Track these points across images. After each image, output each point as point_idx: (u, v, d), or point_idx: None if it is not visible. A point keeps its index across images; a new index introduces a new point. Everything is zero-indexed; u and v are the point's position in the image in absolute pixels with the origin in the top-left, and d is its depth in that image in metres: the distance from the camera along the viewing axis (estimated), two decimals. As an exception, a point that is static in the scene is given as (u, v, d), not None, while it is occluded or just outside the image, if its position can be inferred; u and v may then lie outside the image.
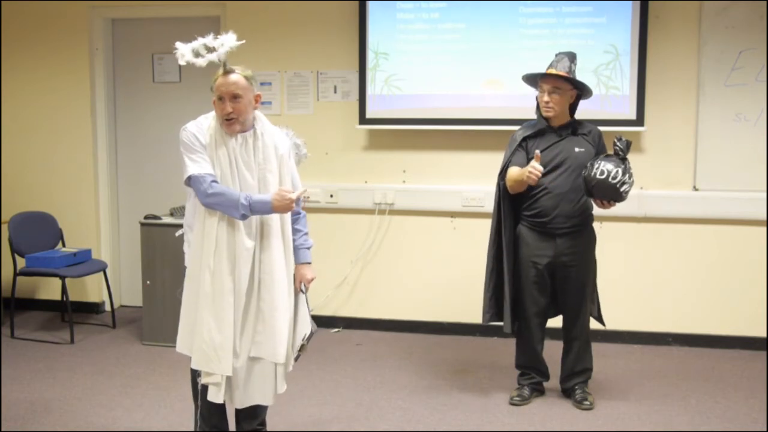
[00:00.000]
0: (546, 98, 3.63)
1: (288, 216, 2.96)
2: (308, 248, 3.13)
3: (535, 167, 3.52)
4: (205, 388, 2.91)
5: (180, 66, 5.35)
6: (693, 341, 4.76)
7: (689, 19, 4.62)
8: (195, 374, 2.98)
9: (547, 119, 3.69)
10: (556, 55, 3.66)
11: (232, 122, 2.82)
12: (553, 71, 3.61)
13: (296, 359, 3.08)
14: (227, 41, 2.81)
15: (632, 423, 3.61)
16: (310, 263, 3.12)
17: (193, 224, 2.93)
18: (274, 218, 2.90)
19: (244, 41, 2.85)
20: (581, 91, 3.68)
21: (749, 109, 4.59)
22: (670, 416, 3.68)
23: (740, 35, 4.55)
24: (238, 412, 3.09)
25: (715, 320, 4.74)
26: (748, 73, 4.57)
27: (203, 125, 2.90)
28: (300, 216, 3.12)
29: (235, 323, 2.87)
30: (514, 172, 3.67)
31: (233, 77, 2.81)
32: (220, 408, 3.02)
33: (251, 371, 2.91)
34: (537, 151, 3.58)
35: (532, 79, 3.74)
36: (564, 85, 3.62)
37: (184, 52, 2.85)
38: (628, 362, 4.47)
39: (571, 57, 3.64)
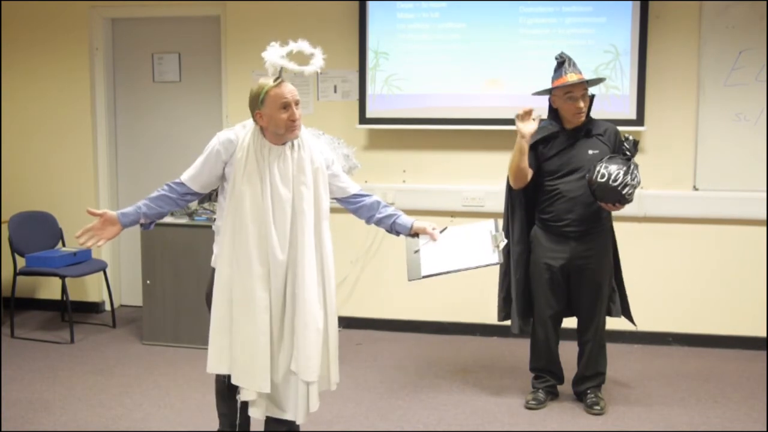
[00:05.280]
0: (581, 104, 3.56)
1: (324, 226, 2.90)
2: (402, 214, 3.06)
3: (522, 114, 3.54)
4: (245, 403, 2.90)
5: (180, 65, 5.43)
6: (693, 341, 4.76)
7: (689, 19, 4.62)
8: (220, 385, 2.99)
9: (561, 122, 3.65)
10: (567, 60, 3.58)
11: (296, 129, 2.83)
12: (582, 77, 3.55)
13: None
14: (316, 62, 2.87)
15: (632, 423, 3.61)
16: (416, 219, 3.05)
17: (221, 229, 2.89)
18: (308, 230, 2.83)
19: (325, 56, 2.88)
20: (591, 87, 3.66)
21: (749, 109, 4.59)
22: (670, 416, 3.68)
23: (740, 35, 4.55)
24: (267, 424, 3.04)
25: (715, 320, 4.74)
26: (748, 73, 4.57)
27: (239, 137, 2.86)
28: (370, 202, 3.06)
29: (272, 338, 2.85)
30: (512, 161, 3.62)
31: (291, 86, 2.84)
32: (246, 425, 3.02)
33: (288, 384, 2.88)
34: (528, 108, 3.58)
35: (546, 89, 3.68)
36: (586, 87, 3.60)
37: (274, 55, 2.80)
38: (629, 362, 4.47)
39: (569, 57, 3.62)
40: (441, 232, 3.02)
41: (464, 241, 3.02)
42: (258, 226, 2.81)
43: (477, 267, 2.98)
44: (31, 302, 5.62)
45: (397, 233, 3.08)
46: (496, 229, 3.03)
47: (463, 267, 2.98)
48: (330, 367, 2.95)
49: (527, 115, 3.57)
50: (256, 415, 2.90)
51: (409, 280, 3.05)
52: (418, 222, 3.04)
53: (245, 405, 2.90)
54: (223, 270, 2.86)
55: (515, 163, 3.60)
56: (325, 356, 2.93)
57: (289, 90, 2.82)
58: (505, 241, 2.97)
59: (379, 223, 3.07)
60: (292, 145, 2.86)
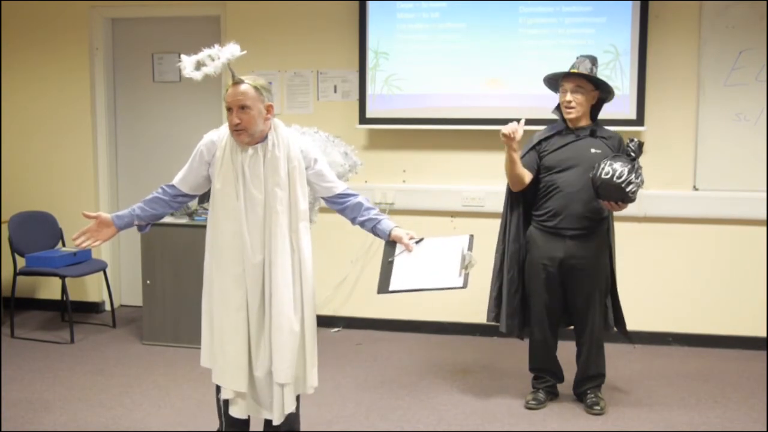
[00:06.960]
0: (568, 97, 3.57)
1: (302, 227, 2.86)
2: (384, 219, 2.97)
3: (509, 126, 3.47)
4: (226, 401, 2.92)
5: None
6: (693, 341, 4.76)
7: (689, 19, 4.62)
8: (218, 388, 2.98)
9: (565, 121, 3.66)
10: (578, 57, 3.61)
11: (241, 133, 2.76)
12: (575, 71, 3.57)
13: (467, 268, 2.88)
14: (224, 53, 2.75)
15: (632, 423, 3.61)
16: (396, 226, 2.96)
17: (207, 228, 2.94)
18: (282, 231, 2.82)
19: (245, 52, 2.79)
20: (603, 92, 3.64)
21: (749, 109, 4.59)
22: (670, 416, 3.68)
23: (740, 35, 4.55)
24: (266, 423, 3.04)
25: (715, 320, 4.74)
26: (748, 73, 4.57)
27: (221, 137, 2.86)
28: (354, 203, 2.98)
29: (250, 338, 2.86)
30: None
31: (242, 87, 2.75)
32: (242, 424, 3.00)
33: (268, 384, 2.88)
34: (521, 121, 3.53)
35: (553, 82, 3.70)
36: (586, 84, 3.58)
37: (186, 64, 2.78)
38: (628, 362, 4.47)
39: (593, 60, 3.61)
40: (417, 242, 2.96)
41: (437, 256, 2.94)
42: (232, 226, 2.83)
43: (441, 289, 2.91)
44: (31, 302, 5.62)
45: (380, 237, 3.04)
46: (469, 248, 2.94)
47: (428, 287, 2.90)
48: (307, 370, 2.92)
49: (509, 138, 3.48)
50: (236, 415, 2.91)
51: (378, 293, 2.97)
52: (396, 230, 2.96)
53: (228, 403, 2.93)
54: (206, 269, 2.92)
55: (507, 171, 3.63)
56: (301, 359, 2.91)
57: (234, 93, 2.75)
58: (473, 262, 2.88)
59: (362, 225, 3.02)
60: (266, 145, 2.83)
